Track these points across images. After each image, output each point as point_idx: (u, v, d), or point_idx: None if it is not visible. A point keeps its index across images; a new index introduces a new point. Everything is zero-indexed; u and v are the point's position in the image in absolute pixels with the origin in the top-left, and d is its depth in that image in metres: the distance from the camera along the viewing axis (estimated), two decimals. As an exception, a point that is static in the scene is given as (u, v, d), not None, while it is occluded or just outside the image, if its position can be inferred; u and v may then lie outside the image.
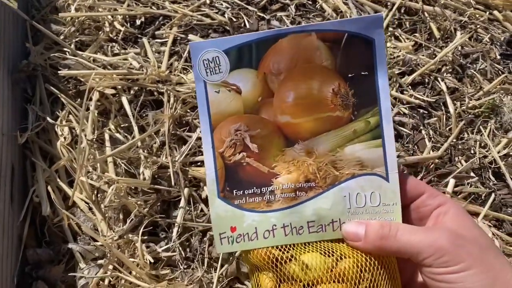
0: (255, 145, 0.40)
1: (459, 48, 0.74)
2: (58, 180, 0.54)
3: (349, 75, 0.40)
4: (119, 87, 0.61)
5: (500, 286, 0.35)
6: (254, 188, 0.40)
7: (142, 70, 0.61)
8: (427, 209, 0.40)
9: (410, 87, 0.70)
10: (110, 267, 0.49)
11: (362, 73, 0.40)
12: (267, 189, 0.40)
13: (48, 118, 0.56)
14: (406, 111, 0.67)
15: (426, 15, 0.77)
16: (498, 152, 0.65)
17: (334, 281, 0.37)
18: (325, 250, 0.38)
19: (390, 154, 0.40)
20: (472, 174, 0.63)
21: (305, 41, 0.39)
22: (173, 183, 0.54)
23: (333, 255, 0.38)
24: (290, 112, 0.40)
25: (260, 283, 0.39)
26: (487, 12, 0.80)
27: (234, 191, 0.40)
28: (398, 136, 0.65)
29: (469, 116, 0.68)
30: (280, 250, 0.38)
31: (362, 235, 0.38)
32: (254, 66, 0.39)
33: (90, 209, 0.53)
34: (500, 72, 0.73)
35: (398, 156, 0.62)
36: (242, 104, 0.40)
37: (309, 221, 0.39)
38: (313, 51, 0.39)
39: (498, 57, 0.76)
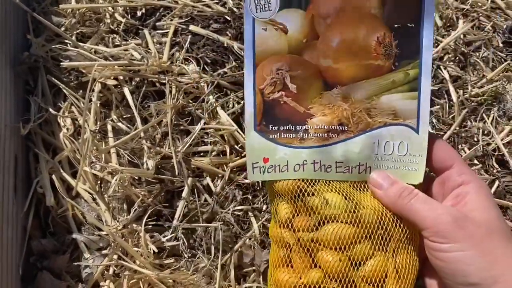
0: (294, 85, 0.42)
1: (462, 36, 0.74)
2: (62, 171, 0.54)
3: (395, 25, 0.41)
4: (121, 78, 0.61)
5: (499, 270, 0.35)
6: (289, 125, 0.42)
7: (144, 61, 0.61)
8: (450, 185, 0.40)
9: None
10: (115, 256, 0.49)
11: (408, 24, 0.41)
12: (301, 127, 0.42)
13: (51, 109, 0.56)
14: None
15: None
16: (502, 140, 0.65)
17: (349, 222, 0.40)
18: (346, 194, 0.41)
19: (424, 107, 0.41)
20: (475, 161, 0.63)
21: None
22: (176, 173, 0.54)
23: (352, 201, 0.40)
24: (332, 56, 0.41)
25: (279, 211, 0.42)
26: (489, 0, 0.80)
27: (270, 126, 0.42)
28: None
29: (472, 104, 0.68)
30: (305, 183, 0.41)
31: (385, 187, 0.40)
32: (303, 7, 0.41)
33: (94, 199, 0.53)
34: (503, 60, 0.73)
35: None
36: (287, 44, 0.41)
37: (337, 161, 0.42)
38: None
39: (501, 45, 0.75)
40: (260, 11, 0.41)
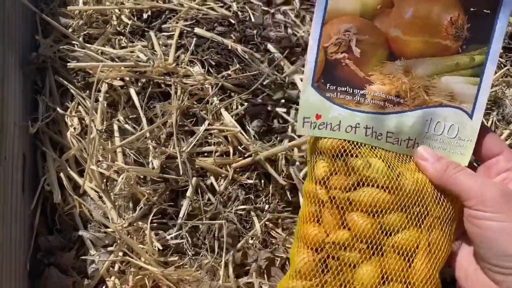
0: (358, 50, 0.42)
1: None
2: (69, 169, 0.55)
3: (471, 9, 0.41)
4: (127, 79, 0.62)
5: None
6: (347, 87, 0.43)
7: (150, 63, 0.62)
8: (496, 170, 0.42)
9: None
10: (120, 253, 0.50)
11: (485, 10, 0.41)
12: (359, 91, 0.43)
13: (58, 109, 0.57)
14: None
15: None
16: (500, 143, 0.66)
17: (387, 189, 0.40)
18: (390, 163, 0.42)
19: (483, 94, 0.42)
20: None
21: None
22: (181, 173, 0.56)
23: (394, 171, 0.41)
24: (403, 28, 0.41)
25: (316, 168, 0.42)
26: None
27: (328, 84, 0.43)
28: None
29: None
30: (350, 144, 0.42)
31: (431, 160, 0.42)
32: None
33: (100, 197, 0.54)
34: (502, 65, 0.74)
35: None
36: (360, 7, 0.42)
37: (388, 131, 0.43)
38: None
39: (501, 50, 0.76)
40: None
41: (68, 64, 0.59)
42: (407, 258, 0.40)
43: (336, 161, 0.42)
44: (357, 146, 0.42)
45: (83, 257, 0.50)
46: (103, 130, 0.57)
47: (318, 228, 0.41)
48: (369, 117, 0.42)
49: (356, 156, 0.42)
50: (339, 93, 0.43)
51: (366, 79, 0.42)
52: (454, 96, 0.42)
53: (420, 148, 0.43)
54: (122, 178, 0.52)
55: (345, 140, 0.42)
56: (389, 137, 0.42)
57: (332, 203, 0.41)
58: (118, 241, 0.50)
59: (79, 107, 0.59)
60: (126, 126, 0.59)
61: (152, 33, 0.67)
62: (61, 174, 0.54)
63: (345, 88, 0.43)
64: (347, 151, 0.42)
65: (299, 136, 0.60)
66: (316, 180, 0.42)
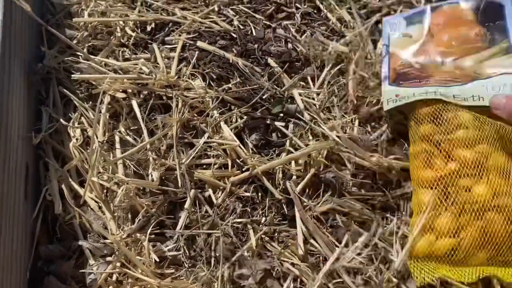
0: (418, 66, 0.64)
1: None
2: (70, 179, 0.56)
3: (486, 24, 0.64)
4: (129, 91, 0.63)
5: None
6: (415, 80, 0.62)
7: (152, 75, 0.63)
8: None
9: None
10: (118, 264, 0.52)
11: (497, 22, 0.64)
12: (425, 80, 0.61)
13: (62, 120, 0.58)
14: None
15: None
16: None
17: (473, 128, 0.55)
18: (474, 115, 0.56)
19: None
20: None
21: (455, 7, 0.68)
22: (179, 185, 0.57)
23: (475, 116, 0.56)
24: (444, 45, 0.64)
25: (422, 130, 0.56)
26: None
27: (400, 81, 0.62)
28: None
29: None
30: (442, 104, 0.57)
31: (504, 102, 0.55)
32: (423, 21, 0.68)
33: (100, 207, 0.56)
34: None
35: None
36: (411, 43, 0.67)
37: (454, 95, 0.58)
38: (461, 11, 0.67)
39: None
40: (392, 31, 0.70)
41: (72, 75, 0.61)
42: (505, 176, 0.53)
43: (435, 119, 0.56)
44: (445, 105, 0.57)
45: (81, 271, 0.51)
46: (105, 141, 0.58)
47: (431, 170, 0.54)
48: (436, 88, 0.58)
49: (447, 111, 0.56)
50: (409, 83, 0.61)
51: (429, 75, 0.62)
52: (499, 70, 0.60)
53: (492, 97, 0.56)
54: (122, 190, 0.53)
55: (436, 104, 0.57)
56: (456, 97, 0.57)
57: (438, 149, 0.55)
58: (116, 252, 0.51)
59: (82, 118, 0.61)
60: (127, 137, 0.60)
61: (155, 45, 0.68)
62: (63, 185, 0.55)
63: (414, 80, 0.62)
64: (440, 110, 0.56)
65: (296, 150, 0.62)
66: (423, 138, 0.56)
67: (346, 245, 0.55)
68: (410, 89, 0.60)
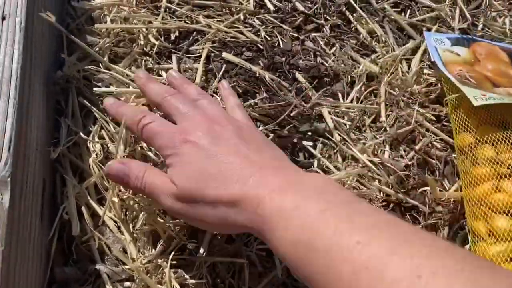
0: (473, 80, 0.67)
1: None
2: (88, 197, 0.53)
3: None
4: (152, 103, 0.60)
5: None
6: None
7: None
8: None
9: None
10: (137, 290, 0.49)
11: None
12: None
13: (81, 134, 0.55)
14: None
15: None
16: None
17: None
18: None
19: None
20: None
21: (493, 46, 0.75)
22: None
23: None
24: (491, 73, 0.69)
25: (484, 153, 0.58)
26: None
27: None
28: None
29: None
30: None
31: None
32: (466, 46, 0.74)
33: (119, 228, 0.53)
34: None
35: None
36: (461, 59, 0.71)
37: None
38: (498, 52, 0.74)
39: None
40: (438, 44, 0.72)
41: (94, 89, 0.58)
42: None
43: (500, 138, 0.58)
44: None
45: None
46: (125, 157, 0.55)
47: (504, 194, 0.53)
48: (501, 94, 0.63)
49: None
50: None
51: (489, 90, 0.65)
52: None
53: None
54: (144, 214, 0.50)
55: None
56: None
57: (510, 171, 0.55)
58: (136, 279, 0.49)
59: (102, 131, 0.58)
60: (149, 153, 0.57)
61: (174, 58, 0.65)
62: (79, 203, 0.52)
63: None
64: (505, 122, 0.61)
65: (324, 172, 0.59)
66: (488, 161, 0.57)
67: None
68: (491, 92, 0.63)
